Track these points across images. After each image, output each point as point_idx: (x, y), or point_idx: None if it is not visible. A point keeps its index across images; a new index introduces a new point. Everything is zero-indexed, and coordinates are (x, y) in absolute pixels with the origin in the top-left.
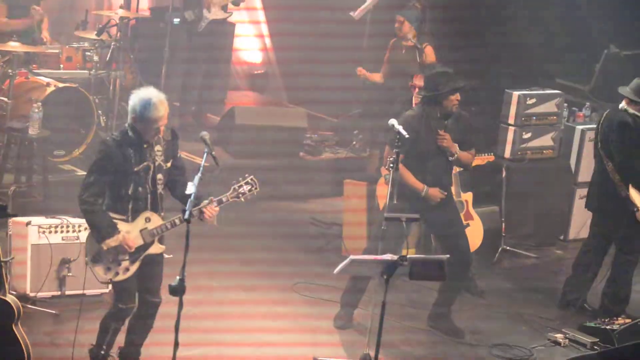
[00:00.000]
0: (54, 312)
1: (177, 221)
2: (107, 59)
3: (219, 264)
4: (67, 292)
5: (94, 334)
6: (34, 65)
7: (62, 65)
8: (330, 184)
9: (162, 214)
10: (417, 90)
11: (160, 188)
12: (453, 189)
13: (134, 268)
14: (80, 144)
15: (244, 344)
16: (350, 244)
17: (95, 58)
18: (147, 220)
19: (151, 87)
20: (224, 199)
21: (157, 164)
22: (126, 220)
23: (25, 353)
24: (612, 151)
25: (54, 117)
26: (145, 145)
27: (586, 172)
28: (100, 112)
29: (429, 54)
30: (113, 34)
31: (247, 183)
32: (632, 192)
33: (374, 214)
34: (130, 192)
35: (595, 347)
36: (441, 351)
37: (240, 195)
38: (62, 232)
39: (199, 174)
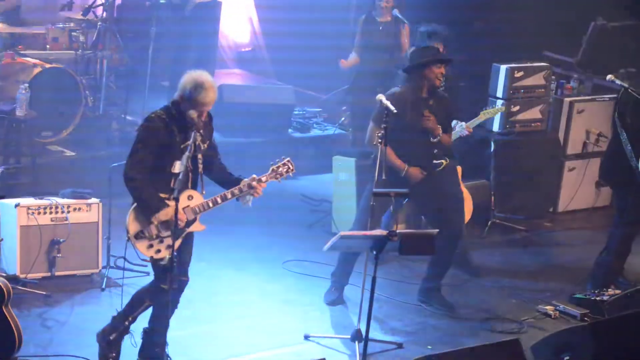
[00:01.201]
0: (44, 293)
1: (219, 199)
2: (94, 39)
3: (208, 241)
4: (57, 273)
5: (85, 315)
6: (20, 47)
7: (48, 46)
8: (319, 161)
9: (204, 192)
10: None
11: (200, 167)
12: None
13: (176, 246)
14: (68, 125)
15: (234, 321)
16: (339, 220)
17: (82, 38)
18: (190, 198)
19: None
20: (263, 179)
21: (197, 143)
22: (169, 199)
23: (15, 334)
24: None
25: (41, 99)
26: (188, 125)
27: (575, 145)
28: (87, 92)
29: (406, 33)
30: (99, 14)
31: (284, 164)
32: None
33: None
34: (172, 170)
35: (586, 319)
36: (432, 325)
37: (278, 175)
38: (51, 213)
39: (187, 152)
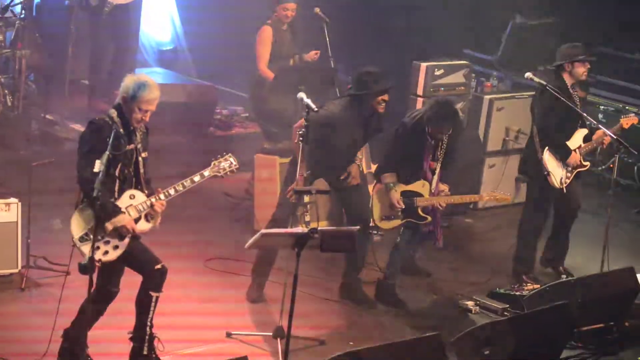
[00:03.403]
0: None
1: (161, 196)
2: (12, 38)
3: None
4: None
5: (4, 315)
6: None
7: None
8: (240, 159)
9: (146, 192)
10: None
11: (142, 172)
12: (363, 161)
13: (123, 246)
14: None
15: (155, 319)
16: (261, 218)
17: (0, 37)
18: (132, 197)
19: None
20: (206, 174)
21: (138, 148)
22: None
23: None
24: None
25: None
26: (131, 128)
27: (494, 142)
28: (6, 92)
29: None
30: (18, 12)
31: (225, 159)
32: (546, 155)
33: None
34: (117, 173)
35: (506, 313)
36: (354, 322)
37: (221, 170)
38: None
39: (107, 153)
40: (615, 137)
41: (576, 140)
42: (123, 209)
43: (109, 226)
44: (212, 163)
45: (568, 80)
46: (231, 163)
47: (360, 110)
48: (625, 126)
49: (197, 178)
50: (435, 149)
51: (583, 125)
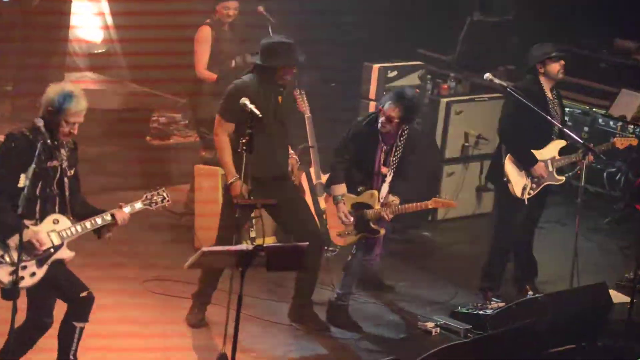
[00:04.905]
0: None
1: (87, 225)
2: None
3: None
4: None
5: None
6: None
7: None
8: (180, 170)
9: (71, 218)
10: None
11: (67, 192)
12: (312, 169)
13: (41, 273)
14: None
15: (87, 346)
16: (203, 235)
17: None
18: (55, 222)
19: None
20: (137, 206)
21: (64, 166)
22: (35, 224)
23: None
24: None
25: None
26: (55, 143)
27: (453, 148)
28: None
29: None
30: None
31: (158, 194)
32: (507, 162)
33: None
34: (38, 192)
35: (469, 335)
36: (304, 346)
37: (153, 204)
38: None
39: (33, 165)
40: (582, 142)
41: (549, 151)
42: (35, 228)
43: (10, 243)
44: (145, 196)
45: (545, 83)
46: (164, 198)
47: (270, 79)
48: (621, 146)
49: (127, 209)
50: (388, 154)
51: (562, 137)
